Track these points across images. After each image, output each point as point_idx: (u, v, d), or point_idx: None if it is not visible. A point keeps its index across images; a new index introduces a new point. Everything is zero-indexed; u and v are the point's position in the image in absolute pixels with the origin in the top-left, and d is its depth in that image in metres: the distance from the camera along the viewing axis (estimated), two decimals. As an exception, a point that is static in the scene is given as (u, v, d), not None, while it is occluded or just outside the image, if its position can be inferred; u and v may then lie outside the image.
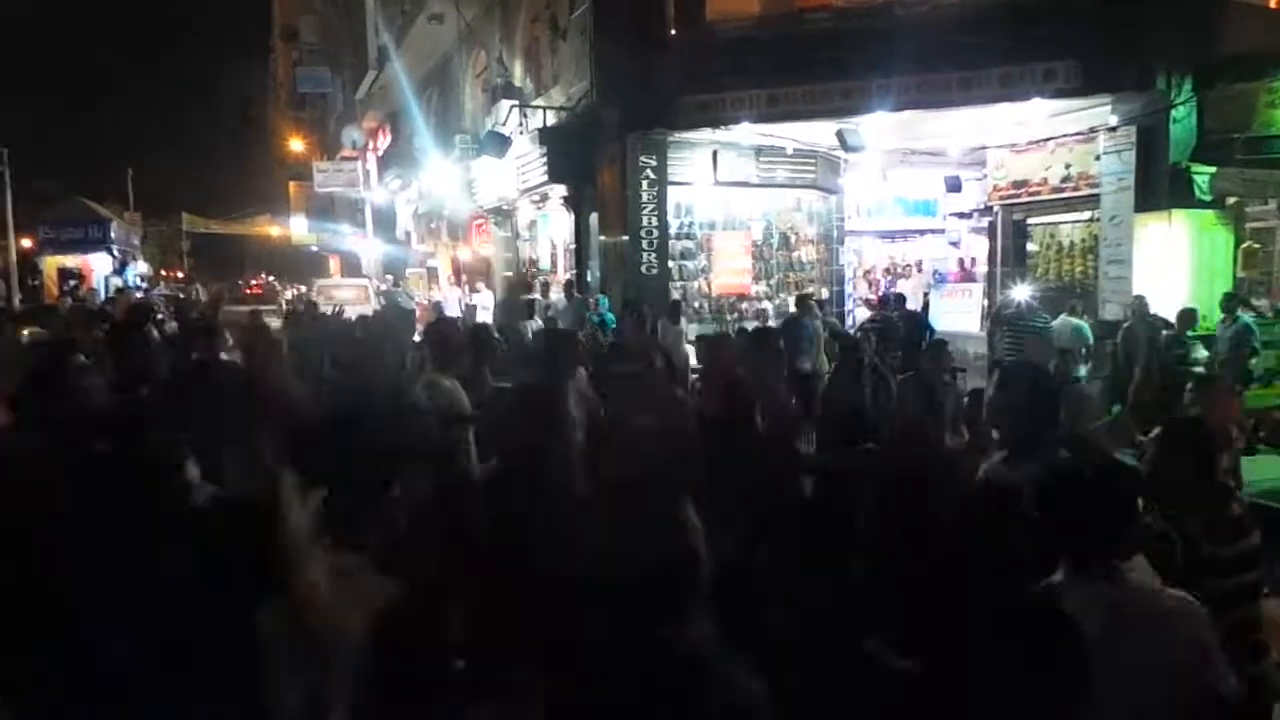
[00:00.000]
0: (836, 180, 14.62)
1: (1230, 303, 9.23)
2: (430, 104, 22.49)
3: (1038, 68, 10.30)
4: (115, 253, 34.20)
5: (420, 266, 23.65)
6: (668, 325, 10.29)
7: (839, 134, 11.89)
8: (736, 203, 13.90)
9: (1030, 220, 13.23)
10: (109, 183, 44.24)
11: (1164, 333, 9.06)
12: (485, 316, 15.48)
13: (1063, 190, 12.21)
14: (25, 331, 9.12)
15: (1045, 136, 12.14)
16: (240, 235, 49.08)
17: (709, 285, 13.84)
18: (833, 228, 14.88)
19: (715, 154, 13.16)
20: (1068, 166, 12.08)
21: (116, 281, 32.71)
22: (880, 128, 11.91)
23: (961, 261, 15.34)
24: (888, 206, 16.02)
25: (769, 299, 13.98)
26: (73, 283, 30.27)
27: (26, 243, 35.43)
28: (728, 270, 13.97)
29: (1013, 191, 12.97)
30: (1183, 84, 10.23)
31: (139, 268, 38.85)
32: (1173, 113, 10.21)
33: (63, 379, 2.87)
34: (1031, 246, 13.31)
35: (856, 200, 15.51)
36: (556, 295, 14.11)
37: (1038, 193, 12.60)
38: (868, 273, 15.53)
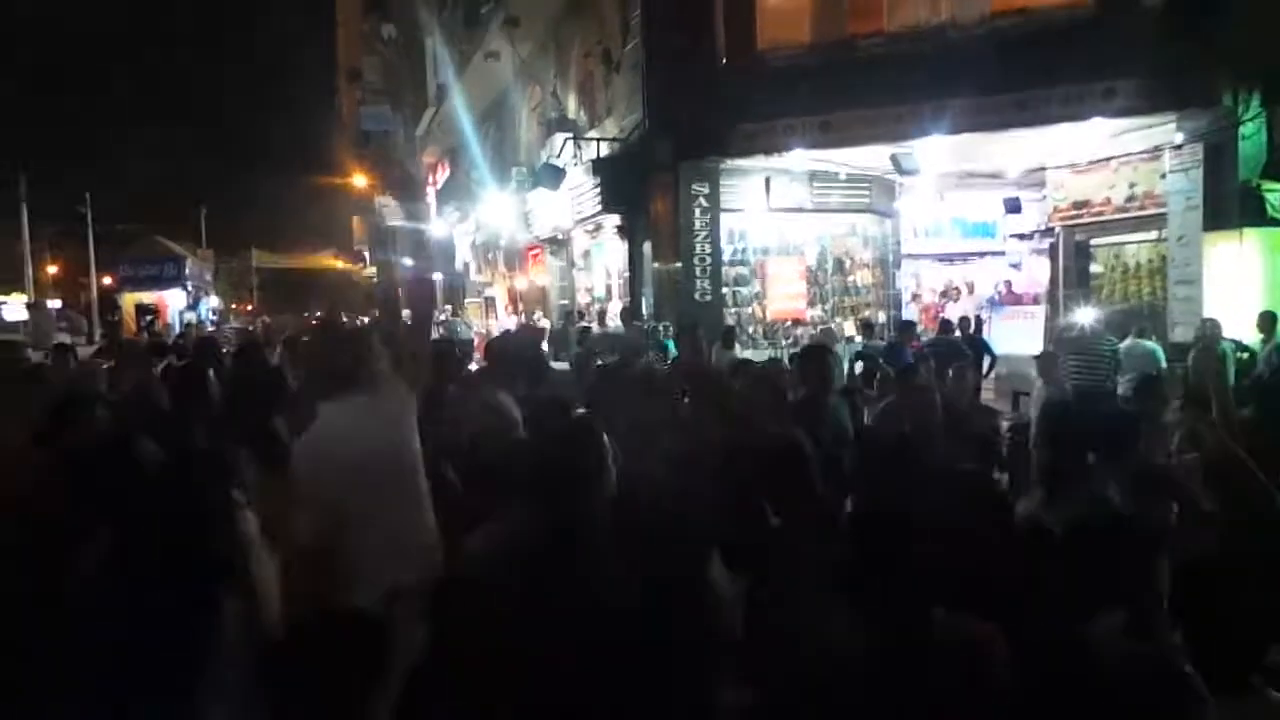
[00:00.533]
0: (892, 204, 14.51)
1: (1267, 322, 8.86)
2: (487, 138, 23.00)
3: (1097, 87, 10.10)
4: (189, 288, 35.69)
5: (478, 296, 24.06)
6: (721, 351, 10.28)
7: (893, 158, 11.81)
8: (790, 228, 13.89)
9: (1094, 241, 12.93)
10: (183, 222, 46.15)
11: (1239, 354, 8.73)
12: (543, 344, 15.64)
13: (1127, 210, 11.92)
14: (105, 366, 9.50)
15: (1107, 156, 11.88)
16: (306, 269, 50.75)
17: (763, 311, 13.81)
18: (889, 251, 14.75)
19: (768, 180, 13.20)
20: (1132, 185, 11.79)
21: (190, 316, 34.00)
22: (936, 150, 11.79)
23: (1009, 284, 15.04)
24: (945, 229, 15.81)
25: (825, 323, 13.88)
26: (149, 318, 31.57)
27: (107, 280, 37.15)
28: (782, 295, 13.94)
29: (1074, 212, 12.70)
30: (1250, 99, 9.93)
31: (211, 302, 40.38)
32: (1241, 129, 9.91)
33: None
34: (1095, 268, 12.99)
35: (913, 223, 15.36)
36: (612, 323, 14.22)
37: (1101, 213, 12.31)
38: (916, 296, 15.29)
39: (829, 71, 11.43)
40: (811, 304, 14.15)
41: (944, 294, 15.21)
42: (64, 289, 41.30)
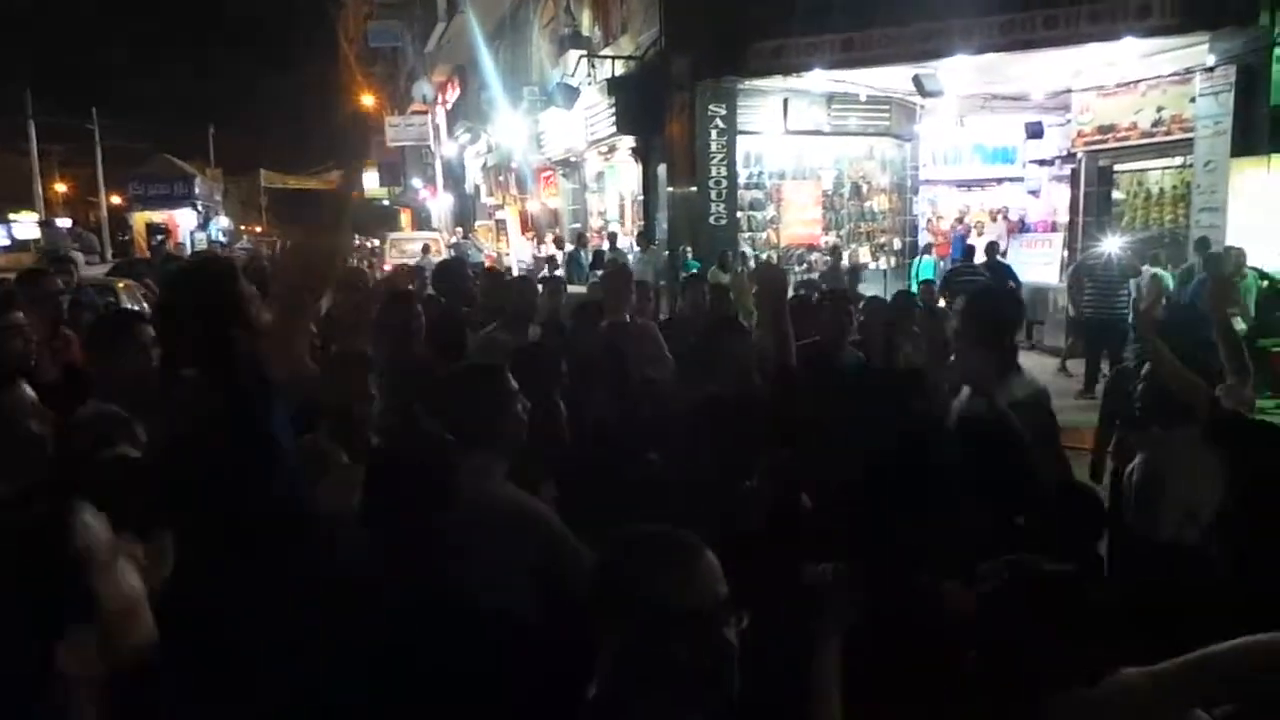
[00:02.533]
0: (912, 127, 14.23)
1: None
2: (499, 56, 22.49)
3: (1130, 4, 9.79)
4: (199, 208, 35.45)
5: (489, 219, 23.88)
6: (715, 273, 10.22)
7: (916, 79, 11.53)
8: (807, 151, 13.67)
9: (1117, 167, 12.69)
10: (191, 141, 45.64)
11: (1262, 283, 8.67)
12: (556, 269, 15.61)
13: (1153, 135, 11.66)
14: (121, 285, 9.54)
15: (1136, 78, 11.57)
16: (315, 190, 50.31)
17: (778, 236, 13.70)
18: (907, 176, 14.53)
19: (786, 102, 12.94)
20: (1160, 110, 11.51)
21: (200, 236, 33.92)
22: (960, 71, 11.51)
23: (1005, 213, 14.82)
24: (965, 154, 15.50)
25: (839, 249, 13.79)
26: (160, 237, 31.48)
27: (116, 199, 36.97)
28: (797, 220, 13.81)
29: (1099, 137, 12.43)
30: (1289, 18, 9.61)
31: (221, 223, 40.18)
32: (1276, 50, 9.60)
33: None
34: (1118, 194, 12.78)
35: (932, 148, 15.07)
36: (624, 245, 14.15)
37: (1126, 138, 12.05)
38: (929, 223, 15.09)
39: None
40: (827, 229, 14.01)
41: (960, 220, 14.98)
42: (74, 208, 41.16)
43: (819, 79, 12.21)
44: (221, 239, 35.78)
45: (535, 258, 17.36)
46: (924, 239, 14.51)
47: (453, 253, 17.37)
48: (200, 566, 1.76)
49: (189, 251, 22.11)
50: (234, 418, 1.90)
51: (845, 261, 12.85)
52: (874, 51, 11.25)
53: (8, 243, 27.70)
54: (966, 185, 16.02)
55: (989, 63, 11.16)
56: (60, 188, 42.07)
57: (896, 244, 14.42)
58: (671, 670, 1.21)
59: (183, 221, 35.08)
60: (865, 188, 14.29)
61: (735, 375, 2.85)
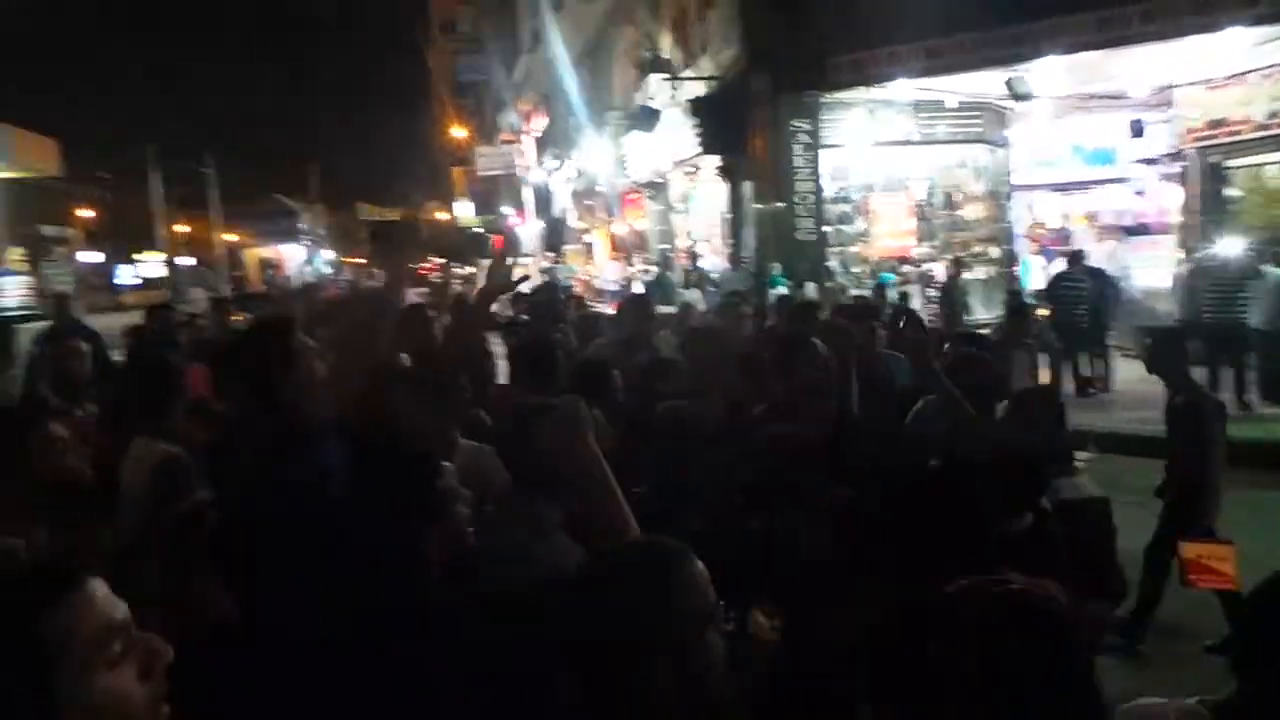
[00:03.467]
0: (1004, 132, 13.82)
1: None
2: (582, 82, 22.95)
3: (1237, -8, 9.29)
4: (305, 243, 37.38)
5: (578, 243, 24.30)
6: (797, 291, 10.10)
7: (1007, 83, 11.20)
8: (896, 162, 13.43)
9: (1229, 163, 12.00)
10: (297, 179, 48.06)
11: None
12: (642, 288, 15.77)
13: (1269, 127, 11.00)
14: (238, 318, 10.11)
15: (1246, 69, 10.96)
16: (404, 220, 52.14)
17: (868, 249, 13.49)
18: (1001, 183, 14.10)
19: (871, 113, 12.76)
20: (1274, 100, 10.87)
21: (308, 269, 35.65)
22: (1052, 72, 11.11)
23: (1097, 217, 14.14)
24: (1063, 157, 14.97)
25: (933, 261, 13.48)
26: (270, 271, 33.24)
27: (231, 236, 39.23)
28: (888, 233, 13.57)
29: (1208, 132, 11.81)
30: None
31: (325, 255, 42.15)
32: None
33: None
34: (1232, 192, 12.09)
35: (1028, 152, 14.60)
36: (710, 263, 14.18)
37: (1238, 132, 11.41)
38: (1029, 228, 14.57)
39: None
40: (920, 241, 13.72)
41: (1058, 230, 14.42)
42: (193, 246, 43.83)
43: (904, 88, 12.00)
44: (326, 271, 37.49)
45: (624, 280, 17.55)
46: (1022, 246, 14.04)
47: (545, 278, 17.74)
48: (256, 602, 1.86)
49: (295, 284, 23.21)
50: (279, 457, 2.08)
51: (940, 273, 12.53)
52: (960, 57, 10.99)
53: (139, 282, 29.73)
54: (1065, 188, 15.45)
55: (1083, 61, 10.74)
56: (181, 228, 44.90)
57: (993, 252, 13.99)
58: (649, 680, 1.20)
59: (291, 255, 37.00)
60: (958, 196, 13.93)
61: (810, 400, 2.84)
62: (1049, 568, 1.71)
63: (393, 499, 1.90)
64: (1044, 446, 2.62)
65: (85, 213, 33.91)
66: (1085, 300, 9.80)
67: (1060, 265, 10.62)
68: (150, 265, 32.26)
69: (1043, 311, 9.15)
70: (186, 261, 35.63)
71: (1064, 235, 14.03)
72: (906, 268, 13.25)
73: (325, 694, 1.66)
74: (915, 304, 11.27)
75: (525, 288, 9.49)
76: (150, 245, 36.04)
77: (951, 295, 11.23)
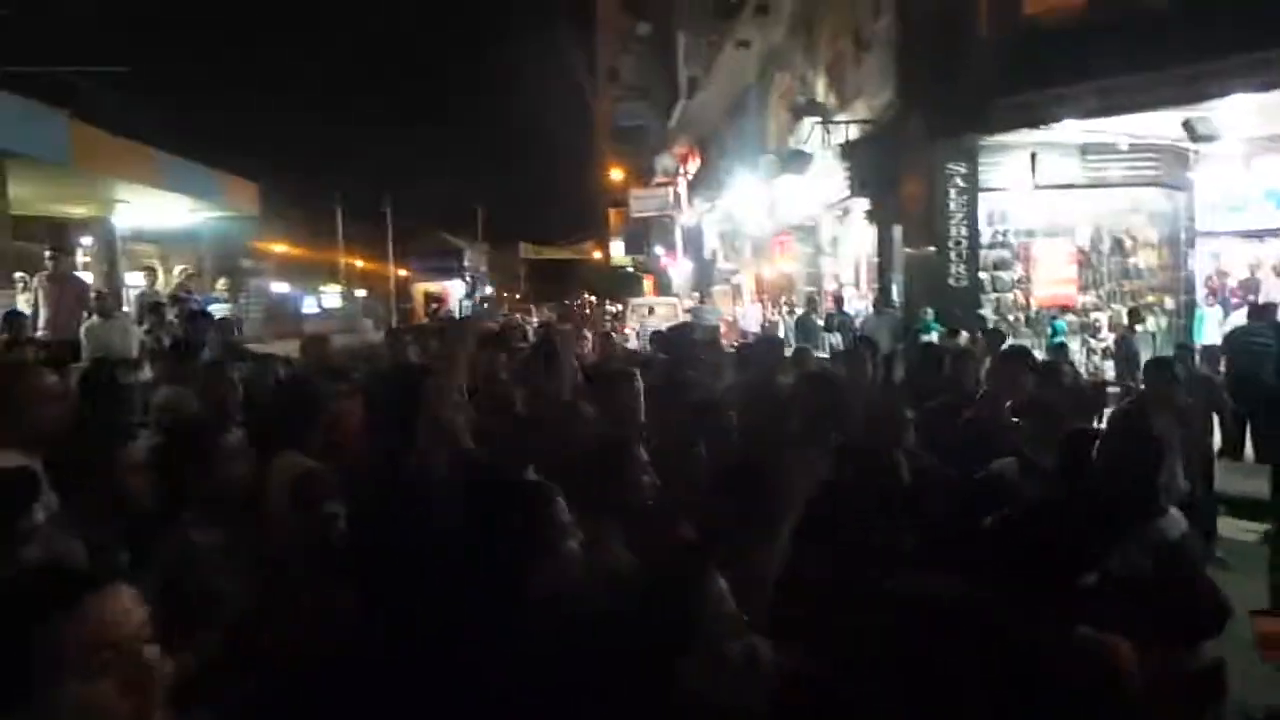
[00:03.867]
0: (1185, 175, 12.91)
1: None
2: (736, 127, 23.25)
3: None
4: (468, 279, 39.54)
5: (725, 283, 24.45)
6: (947, 340, 9.73)
7: (1186, 124, 10.53)
8: (1060, 207, 12.81)
9: None
10: (463, 218, 50.96)
11: None
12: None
13: None
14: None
15: None
16: (568, 259, 54.16)
17: (1027, 297, 12.89)
18: (1180, 229, 13.15)
19: (1034, 156, 12.28)
20: None
21: (468, 304, 37.61)
22: (1239, 112, 10.34)
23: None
24: (1253, 200, 13.78)
25: (1099, 310, 12.71)
26: (434, 305, 35.30)
27: (402, 272, 42.02)
28: (1049, 280, 12.93)
29: None
30: None
31: (486, 291, 44.37)
32: None
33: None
34: None
35: (1212, 196, 13.55)
36: (855, 307, 13.96)
37: None
38: (1209, 279, 13.42)
39: (1108, 33, 10.37)
40: (1084, 289, 12.98)
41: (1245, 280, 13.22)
42: (368, 280, 47.20)
43: (1071, 130, 11.48)
44: (485, 306, 39.40)
45: (767, 321, 17.50)
46: (1197, 296, 12.99)
47: (691, 316, 17.96)
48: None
49: (457, 316, 24.53)
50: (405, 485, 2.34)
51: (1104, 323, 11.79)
52: (1133, 98, 10.39)
53: (319, 311, 32.39)
54: (1258, 236, 14.18)
55: (1276, 100, 9.95)
56: (358, 263, 48.49)
57: (1168, 303, 13.04)
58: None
59: (454, 290, 39.17)
60: (1129, 243, 13.10)
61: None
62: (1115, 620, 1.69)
63: (503, 530, 2.04)
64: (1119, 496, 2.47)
65: (277, 248, 37.31)
66: (1271, 357, 8.93)
67: (1241, 318, 9.74)
68: (329, 296, 34.99)
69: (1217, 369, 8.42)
70: (360, 293, 38.40)
71: (1252, 286, 12.87)
72: (1069, 317, 12.56)
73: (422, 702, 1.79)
74: (1077, 356, 10.68)
75: (664, 327, 9.71)
76: (332, 278, 39.16)
77: (1129, 347, 10.45)
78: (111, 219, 12.28)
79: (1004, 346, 6.89)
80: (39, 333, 8.83)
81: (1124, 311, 12.91)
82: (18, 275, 9.53)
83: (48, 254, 9.27)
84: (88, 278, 10.36)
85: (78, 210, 12.30)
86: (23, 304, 9.21)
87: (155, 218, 12.95)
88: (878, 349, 6.45)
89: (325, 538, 2.41)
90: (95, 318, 8.49)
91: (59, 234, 12.91)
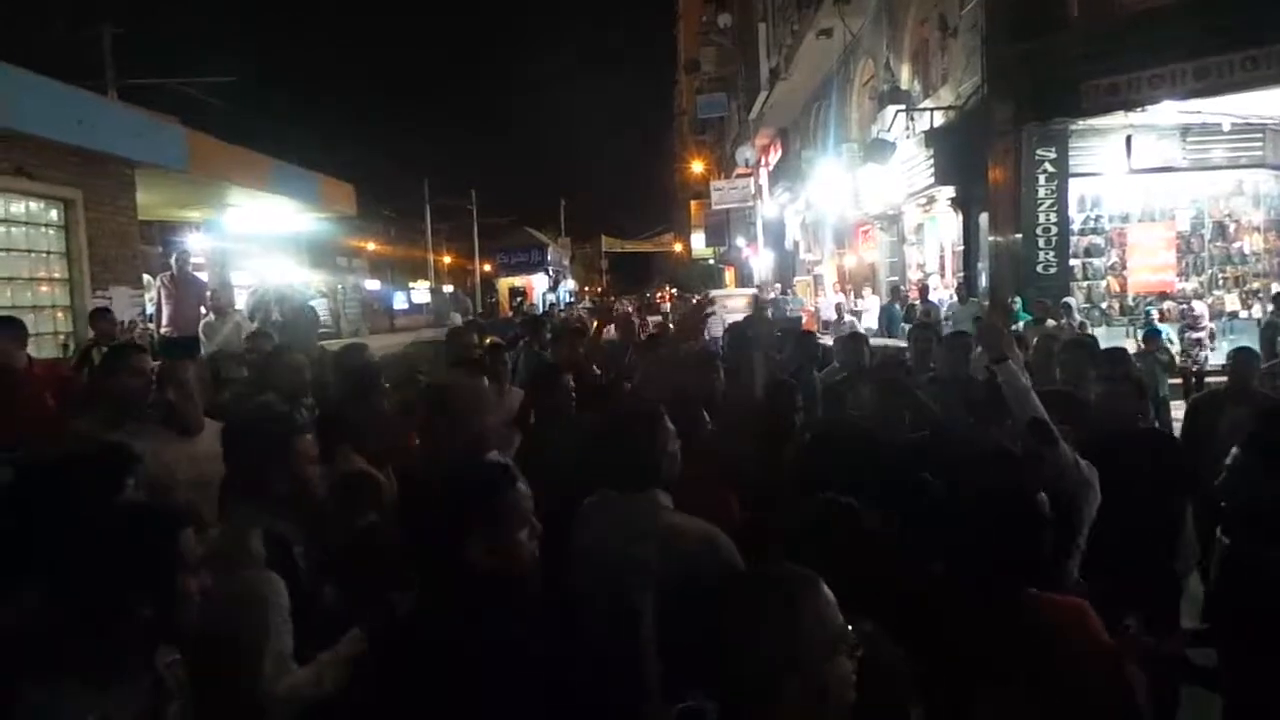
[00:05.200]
0: (1294, 155, 12.31)
1: None
2: (818, 117, 23.07)
3: None
4: (550, 273, 40.17)
5: (807, 274, 24.30)
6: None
7: (1292, 101, 10.08)
8: (1157, 190, 12.39)
9: None
10: (546, 213, 51.81)
11: None
12: (870, 321, 15.58)
13: None
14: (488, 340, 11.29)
15: None
16: (649, 252, 54.47)
17: (1122, 284, 12.52)
18: (1288, 211, 12.56)
19: (1129, 139, 11.90)
20: None
21: (551, 298, 38.25)
22: (1354, 87, 9.85)
23: None
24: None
25: (1199, 297, 12.25)
26: (519, 299, 36.04)
27: (487, 267, 42.99)
28: (1146, 266, 12.53)
29: None
30: None
31: (569, 284, 45.03)
32: None
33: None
34: None
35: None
36: (940, 296, 13.77)
37: None
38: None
39: (1203, 7, 10.00)
40: (1184, 275, 12.52)
41: None
42: (454, 276, 48.50)
43: (1168, 111, 11.10)
44: (568, 299, 40.00)
45: (847, 310, 17.39)
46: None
47: (770, 309, 17.97)
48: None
49: (540, 310, 25.06)
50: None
51: (1203, 311, 11.35)
52: (1234, 76, 10.00)
53: (407, 306, 33.47)
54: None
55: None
56: (446, 259, 49.85)
57: (1275, 287, 12.45)
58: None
59: (537, 284, 39.88)
60: (1232, 227, 12.57)
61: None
62: None
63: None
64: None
65: (369, 245, 38.71)
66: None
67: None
68: (419, 292, 36.12)
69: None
70: (447, 289, 39.53)
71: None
72: (1167, 304, 12.15)
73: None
74: (1174, 346, 10.33)
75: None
76: (422, 274, 40.39)
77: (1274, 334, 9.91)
78: (223, 221, 13.09)
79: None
80: (164, 329, 9.56)
81: (1225, 297, 12.46)
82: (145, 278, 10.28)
83: (174, 257, 9.97)
84: (203, 277, 11.07)
85: (193, 214, 13.13)
86: (147, 303, 9.97)
87: (261, 220, 13.72)
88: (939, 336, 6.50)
89: (366, 543, 2.52)
90: (212, 315, 9.13)
91: (172, 235, 13.85)
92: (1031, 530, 1.99)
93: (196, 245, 12.66)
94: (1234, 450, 2.60)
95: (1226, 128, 11.65)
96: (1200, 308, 11.47)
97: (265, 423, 2.49)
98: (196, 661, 1.85)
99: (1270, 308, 10.61)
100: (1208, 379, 10.17)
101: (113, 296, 8.83)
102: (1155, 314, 11.58)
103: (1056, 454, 2.78)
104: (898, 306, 13.91)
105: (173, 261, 9.91)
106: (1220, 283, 12.51)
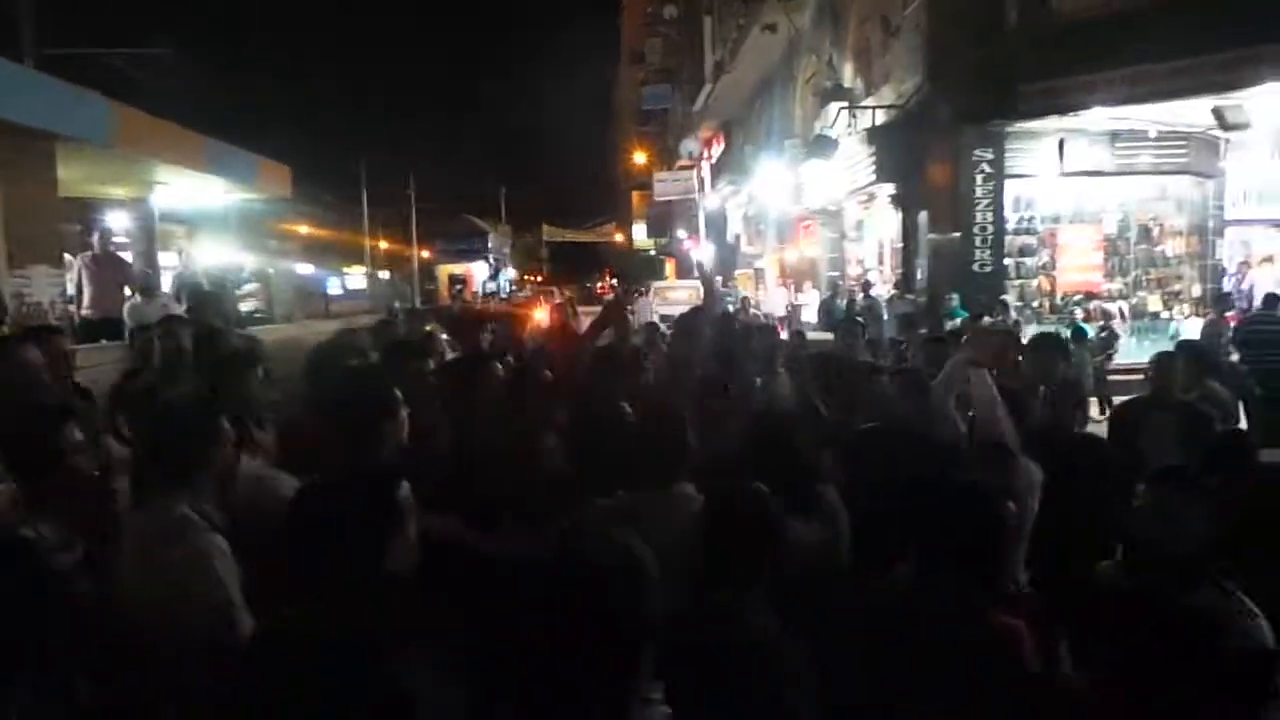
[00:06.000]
0: (1216, 163, 12.85)
1: None
2: (762, 111, 23.24)
3: None
4: (491, 261, 39.80)
5: (748, 268, 24.51)
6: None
7: (1216, 111, 10.49)
8: (1087, 193, 12.81)
9: None
10: (485, 200, 51.15)
11: None
12: (809, 315, 15.78)
13: None
14: (429, 329, 11.09)
15: None
16: (590, 243, 54.31)
17: (1052, 283, 12.91)
18: (1208, 217, 13.10)
19: (1061, 143, 12.25)
20: None
21: (491, 286, 37.86)
22: (1274, 100, 10.29)
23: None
24: (1285, 190, 13.67)
25: (1123, 298, 12.71)
26: (458, 287, 35.60)
27: (425, 254, 42.30)
28: (1075, 266, 12.95)
29: None
30: None
31: (509, 273, 44.60)
32: None
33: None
34: None
35: (1243, 185, 13.46)
36: (880, 291, 14.02)
37: None
38: (1240, 266, 13.37)
39: (1136, 19, 10.33)
40: (1109, 276, 12.98)
41: (1243, 262, 13.19)
42: (392, 262, 47.63)
43: (1099, 117, 11.46)
44: (508, 288, 39.67)
45: (790, 305, 17.58)
46: (1231, 285, 12.92)
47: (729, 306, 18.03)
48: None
49: (480, 299, 24.76)
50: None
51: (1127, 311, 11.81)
52: (1164, 85, 10.35)
53: (342, 292, 32.74)
54: (1288, 225, 14.08)
55: (1310, 89, 9.89)
56: (383, 244, 48.83)
57: (1195, 290, 13.01)
58: None
59: (477, 273, 39.42)
60: (1156, 230, 13.08)
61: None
62: None
63: None
64: None
65: (302, 229, 37.69)
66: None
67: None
68: (354, 278, 35.36)
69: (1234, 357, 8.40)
70: (383, 275, 38.75)
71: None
72: (1094, 303, 12.58)
73: None
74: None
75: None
76: (358, 260, 39.50)
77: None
78: (150, 200, 12.54)
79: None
80: (84, 311, 9.13)
81: (1148, 298, 12.96)
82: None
83: (95, 235, 9.53)
84: (127, 257, 10.60)
85: (117, 191, 12.54)
86: (68, 284, 9.50)
87: (190, 199, 13.19)
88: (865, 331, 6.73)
89: None
90: (138, 296, 8.75)
91: (94, 214, 13.23)
92: (995, 535, 2.01)
93: (118, 224, 12.12)
94: (1141, 487, 2.45)
95: (1153, 134, 12.07)
96: (1112, 309, 11.99)
97: (195, 408, 2.53)
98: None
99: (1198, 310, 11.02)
100: (1110, 376, 10.61)
101: (31, 277, 8.38)
102: (1080, 313, 12.07)
103: (1016, 468, 2.82)
104: (838, 301, 14.10)
105: (94, 240, 9.47)
106: (1144, 284, 13.00)
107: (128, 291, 9.03)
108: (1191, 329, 11.24)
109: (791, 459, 2.48)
